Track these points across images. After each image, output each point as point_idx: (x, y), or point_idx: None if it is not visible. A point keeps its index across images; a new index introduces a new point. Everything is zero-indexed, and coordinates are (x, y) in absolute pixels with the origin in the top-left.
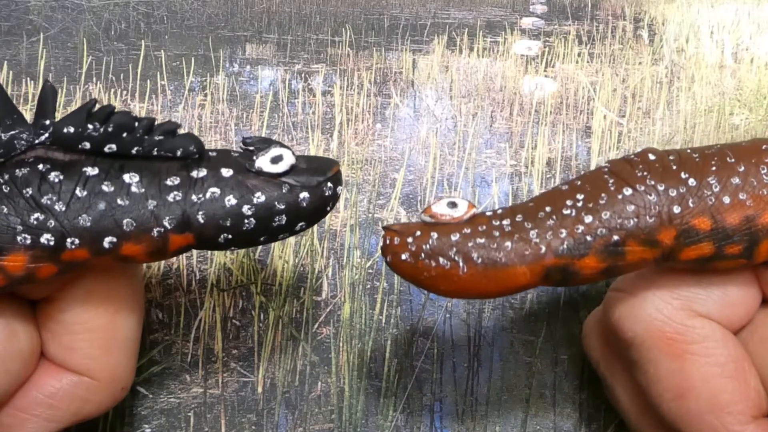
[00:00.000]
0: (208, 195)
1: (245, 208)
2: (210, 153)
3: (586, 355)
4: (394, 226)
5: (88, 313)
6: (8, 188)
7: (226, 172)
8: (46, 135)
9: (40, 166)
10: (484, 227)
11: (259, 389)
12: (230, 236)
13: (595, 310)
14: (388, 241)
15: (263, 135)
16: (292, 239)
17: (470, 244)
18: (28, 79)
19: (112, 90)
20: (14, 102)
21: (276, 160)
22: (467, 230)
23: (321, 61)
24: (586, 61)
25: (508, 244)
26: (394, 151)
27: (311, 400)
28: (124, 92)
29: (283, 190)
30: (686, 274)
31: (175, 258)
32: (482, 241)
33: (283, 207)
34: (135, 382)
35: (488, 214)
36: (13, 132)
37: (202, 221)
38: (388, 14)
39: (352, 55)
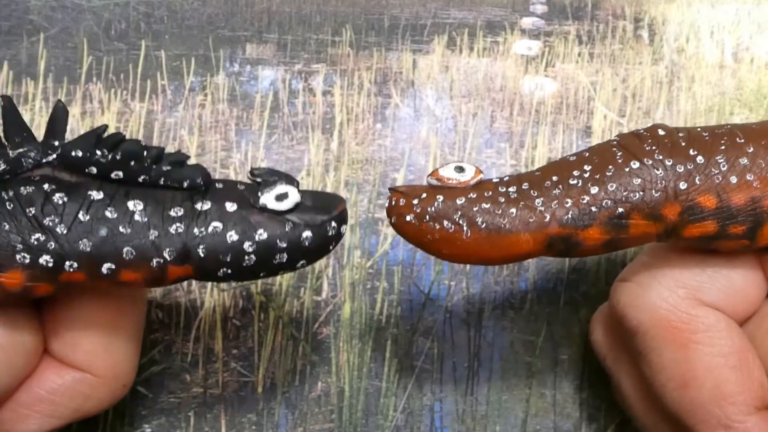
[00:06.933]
0: (210, 229)
1: (246, 245)
2: (216, 185)
3: (592, 351)
4: (401, 188)
5: (90, 311)
6: (12, 205)
7: (230, 207)
8: (54, 156)
9: (46, 186)
10: (490, 193)
11: (259, 389)
12: (229, 271)
13: (602, 306)
14: (393, 202)
15: (263, 135)
16: None
17: (475, 209)
18: (29, 78)
19: (112, 90)
20: (15, 103)
21: (281, 197)
22: (473, 195)
23: (321, 61)
24: (586, 61)
25: (513, 210)
26: (394, 151)
27: (311, 400)
28: (124, 92)
29: (286, 228)
30: (692, 263)
31: None
32: (487, 206)
33: (284, 245)
34: (135, 382)
35: (495, 180)
36: (21, 150)
37: (202, 255)
38: (388, 14)
39: (353, 55)
